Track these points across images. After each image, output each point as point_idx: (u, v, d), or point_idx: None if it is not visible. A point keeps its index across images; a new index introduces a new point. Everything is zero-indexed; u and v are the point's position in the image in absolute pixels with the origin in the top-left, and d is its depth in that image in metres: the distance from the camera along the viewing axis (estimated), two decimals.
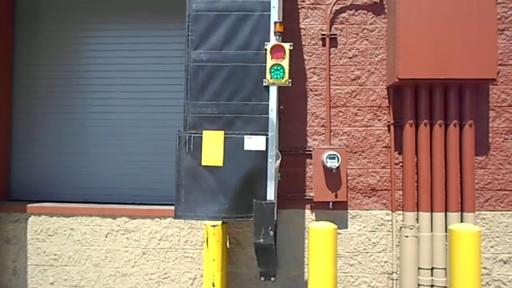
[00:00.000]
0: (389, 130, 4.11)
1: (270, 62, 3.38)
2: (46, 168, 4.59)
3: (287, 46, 3.38)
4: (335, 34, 4.17)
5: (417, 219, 3.96)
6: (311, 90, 4.18)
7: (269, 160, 3.36)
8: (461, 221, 3.90)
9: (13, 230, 4.29)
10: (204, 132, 3.44)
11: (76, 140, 4.58)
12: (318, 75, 4.18)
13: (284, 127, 4.14)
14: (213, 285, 3.66)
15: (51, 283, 4.24)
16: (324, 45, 4.19)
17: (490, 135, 4.08)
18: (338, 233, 4.10)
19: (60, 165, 4.57)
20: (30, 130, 4.62)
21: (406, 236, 3.90)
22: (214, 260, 3.68)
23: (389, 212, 4.09)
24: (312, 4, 4.20)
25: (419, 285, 3.88)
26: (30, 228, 4.27)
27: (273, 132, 3.39)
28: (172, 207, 3.60)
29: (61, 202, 4.45)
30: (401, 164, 4.09)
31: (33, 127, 4.62)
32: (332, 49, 4.18)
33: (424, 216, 3.90)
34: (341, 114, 4.15)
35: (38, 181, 4.59)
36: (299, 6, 4.20)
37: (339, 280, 4.09)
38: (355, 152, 4.14)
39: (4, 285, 4.28)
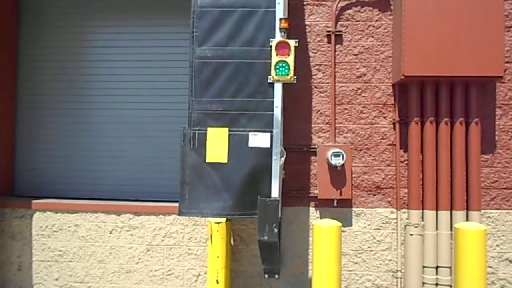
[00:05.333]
0: (394, 128, 4.09)
1: (275, 58, 3.36)
2: (50, 164, 4.60)
3: (292, 42, 3.36)
4: (341, 31, 4.15)
5: (422, 217, 3.94)
6: (316, 87, 4.16)
7: (274, 157, 3.35)
8: (467, 220, 3.87)
9: (18, 226, 4.31)
10: (209, 128, 3.43)
11: (81, 137, 4.59)
12: (323, 72, 4.16)
13: (288, 124, 4.13)
14: (217, 282, 3.66)
15: (56, 279, 4.26)
16: (329, 42, 4.17)
17: (497, 133, 4.04)
18: (343, 231, 4.09)
19: (65, 161, 4.59)
20: (34, 126, 4.63)
21: (411, 234, 3.89)
22: (218, 257, 3.68)
23: (394, 210, 4.07)
24: (318, 0, 4.18)
25: (423, 283, 3.86)
26: (35, 224, 4.29)
27: (277, 129, 3.37)
28: (177, 204, 3.60)
29: (66, 199, 4.47)
30: (406, 162, 4.07)
31: (38, 123, 4.63)
32: (337, 46, 4.16)
33: (429, 214, 3.88)
34: (346, 111, 4.14)
35: (42, 177, 4.61)
36: (304, 3, 4.18)
37: (343, 278, 4.08)
38: (360, 150, 4.12)
39: (9, 280, 4.31)
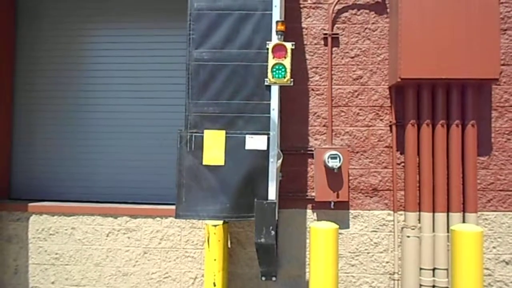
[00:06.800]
0: (391, 130, 4.10)
1: (271, 61, 3.37)
2: (47, 167, 4.58)
3: (289, 45, 3.37)
4: (337, 34, 4.16)
5: (419, 220, 3.94)
6: (312, 89, 4.17)
7: (271, 159, 3.36)
8: (463, 222, 3.88)
9: (14, 229, 4.29)
10: (206, 131, 3.44)
11: (78, 139, 4.58)
12: (320, 75, 4.17)
13: (285, 126, 4.13)
14: (214, 285, 3.66)
15: (52, 282, 4.24)
16: (326, 44, 4.18)
17: (493, 135, 4.06)
18: (340, 233, 4.09)
19: (62, 164, 4.57)
20: (31, 129, 4.62)
21: (408, 237, 3.89)
22: (215, 259, 3.67)
23: (391, 212, 4.08)
24: (314, 3, 4.19)
25: (420, 285, 3.86)
26: (32, 227, 4.27)
27: (274, 131, 3.38)
28: (174, 207, 3.60)
29: (63, 201, 4.45)
30: (403, 164, 4.07)
31: (35, 126, 4.62)
32: (334, 49, 4.17)
33: (426, 216, 3.89)
34: (343, 113, 4.14)
35: (39, 180, 4.59)
36: (301, 6, 4.19)
37: (340, 280, 4.08)
38: (357, 152, 4.13)
39: (5, 284, 4.28)
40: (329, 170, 3.94)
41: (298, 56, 4.15)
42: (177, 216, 3.44)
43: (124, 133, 4.53)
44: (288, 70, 3.37)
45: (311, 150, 4.13)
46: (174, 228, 4.17)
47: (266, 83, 3.41)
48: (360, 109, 4.14)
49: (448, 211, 3.89)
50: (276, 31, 3.38)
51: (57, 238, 4.25)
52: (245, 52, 3.44)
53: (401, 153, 4.08)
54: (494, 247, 4.01)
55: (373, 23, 4.16)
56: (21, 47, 4.67)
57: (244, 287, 4.11)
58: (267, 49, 3.39)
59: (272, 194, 3.33)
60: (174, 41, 4.48)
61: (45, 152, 4.60)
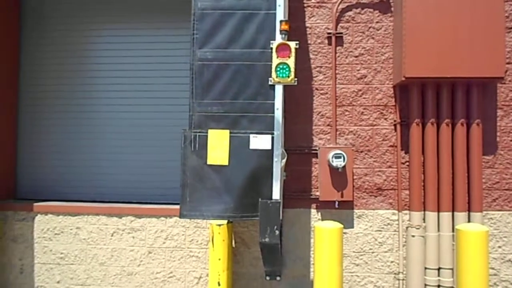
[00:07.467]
0: (395, 129, 4.09)
1: (275, 60, 3.37)
2: (52, 167, 4.61)
3: (292, 44, 3.37)
4: (341, 33, 4.15)
5: (423, 219, 3.93)
6: (317, 89, 4.16)
7: (275, 159, 3.36)
8: (468, 221, 3.86)
9: (20, 228, 4.31)
10: (210, 131, 3.44)
11: (82, 139, 4.59)
12: (324, 74, 4.16)
13: (289, 126, 4.13)
14: (219, 284, 3.66)
15: (58, 282, 4.26)
16: (330, 43, 4.17)
17: (498, 134, 4.04)
18: (344, 233, 4.09)
19: (66, 164, 4.59)
20: (36, 129, 4.64)
21: (413, 236, 3.88)
22: (219, 259, 3.68)
23: (396, 211, 4.06)
24: (318, 2, 4.18)
25: (425, 285, 3.85)
26: (37, 226, 4.29)
27: (278, 131, 3.38)
28: (178, 206, 3.60)
29: (68, 201, 4.47)
30: (407, 163, 4.06)
31: (40, 127, 4.64)
32: (338, 48, 4.16)
33: (431, 215, 3.87)
34: (347, 113, 4.14)
35: (44, 180, 4.61)
36: (305, 5, 4.19)
37: (345, 280, 4.07)
38: (361, 151, 4.12)
39: (11, 283, 4.31)
40: (333, 170, 3.94)
41: (302, 56, 4.15)
42: (181, 215, 3.44)
43: (128, 133, 4.54)
44: (292, 70, 3.37)
45: (316, 150, 4.12)
46: (179, 227, 4.18)
47: (270, 83, 3.40)
48: (365, 108, 4.13)
49: (453, 211, 3.88)
50: (280, 31, 3.37)
51: (62, 238, 4.27)
52: (249, 51, 3.44)
53: (405, 152, 4.07)
54: (499, 247, 3.99)
55: (377, 22, 4.15)
56: (26, 47, 4.69)
57: (249, 287, 4.11)
58: (271, 48, 3.38)
59: (276, 194, 3.33)
60: (179, 41, 4.49)
61: (50, 153, 4.62)
